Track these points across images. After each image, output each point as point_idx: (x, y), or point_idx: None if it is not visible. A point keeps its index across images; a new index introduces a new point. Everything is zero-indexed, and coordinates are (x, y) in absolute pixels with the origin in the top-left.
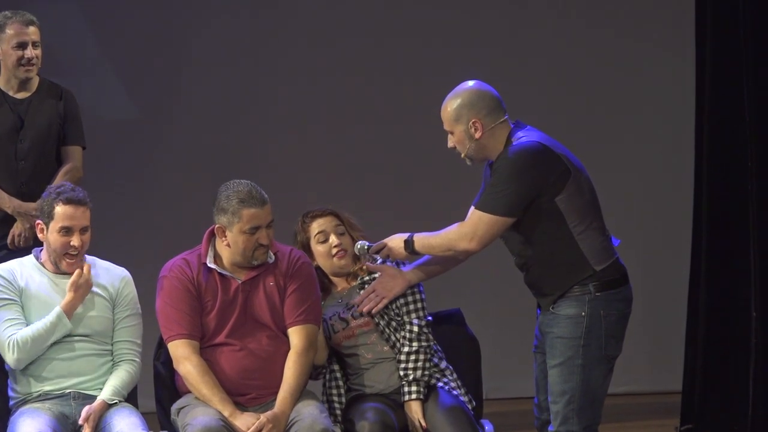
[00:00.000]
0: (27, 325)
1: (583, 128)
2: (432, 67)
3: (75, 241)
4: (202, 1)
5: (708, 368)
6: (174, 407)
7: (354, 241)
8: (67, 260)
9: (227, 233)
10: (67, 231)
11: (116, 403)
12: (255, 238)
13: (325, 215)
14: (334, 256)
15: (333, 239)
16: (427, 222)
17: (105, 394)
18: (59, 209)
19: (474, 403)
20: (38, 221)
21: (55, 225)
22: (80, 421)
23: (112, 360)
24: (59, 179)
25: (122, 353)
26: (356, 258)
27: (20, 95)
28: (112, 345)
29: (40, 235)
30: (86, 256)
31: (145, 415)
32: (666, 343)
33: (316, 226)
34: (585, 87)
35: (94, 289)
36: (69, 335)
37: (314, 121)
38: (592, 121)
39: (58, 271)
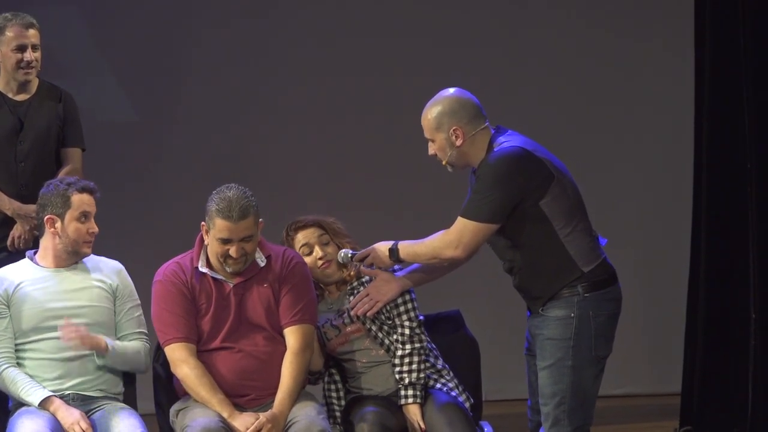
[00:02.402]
0: (11, 334)
1: (582, 128)
2: (431, 67)
3: (93, 227)
4: (202, 4)
5: (707, 370)
6: (173, 409)
7: (339, 248)
8: (87, 246)
9: (208, 234)
10: (86, 217)
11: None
12: (225, 249)
13: (308, 227)
14: (319, 267)
15: (317, 251)
16: (428, 223)
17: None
18: (76, 197)
19: (472, 400)
20: (49, 216)
21: (73, 213)
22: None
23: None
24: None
25: (133, 340)
26: (343, 265)
27: (20, 97)
28: (117, 338)
29: (51, 230)
30: None
31: (144, 417)
32: (665, 344)
33: (300, 238)
34: (585, 87)
35: (93, 282)
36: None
37: (314, 123)
38: (591, 121)
39: (57, 266)
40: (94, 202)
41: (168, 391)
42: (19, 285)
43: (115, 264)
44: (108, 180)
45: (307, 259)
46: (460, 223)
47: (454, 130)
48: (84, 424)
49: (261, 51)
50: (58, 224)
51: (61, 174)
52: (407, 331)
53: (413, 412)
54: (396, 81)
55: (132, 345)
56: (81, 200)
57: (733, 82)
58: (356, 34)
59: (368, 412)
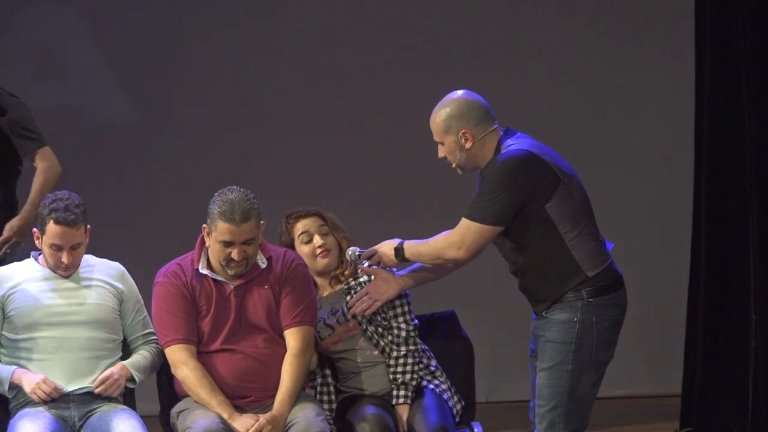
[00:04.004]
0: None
1: (582, 129)
2: (436, 68)
3: (65, 258)
4: (202, 4)
5: (707, 371)
6: (173, 410)
7: (338, 241)
8: (61, 270)
9: (210, 236)
10: (57, 248)
11: (130, 386)
12: (228, 251)
13: (308, 216)
14: (317, 255)
15: (317, 240)
16: (427, 224)
17: (128, 362)
18: (50, 227)
19: (463, 403)
20: (35, 229)
21: (46, 240)
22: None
23: (114, 361)
24: (37, 183)
25: (142, 344)
26: (346, 262)
27: None
28: (125, 340)
29: (36, 242)
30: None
31: (145, 419)
32: (665, 345)
33: (300, 227)
34: (585, 88)
35: (95, 281)
36: (69, 325)
37: (314, 124)
38: (592, 122)
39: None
40: (71, 232)
41: (168, 392)
42: (19, 283)
43: (117, 266)
44: (108, 180)
45: (306, 248)
46: (464, 224)
47: (462, 133)
48: (45, 387)
49: (262, 52)
50: (39, 240)
51: (38, 174)
52: (403, 333)
53: (402, 413)
54: (400, 83)
55: (145, 354)
56: (53, 231)
57: (733, 83)
58: (358, 36)
59: (369, 411)
